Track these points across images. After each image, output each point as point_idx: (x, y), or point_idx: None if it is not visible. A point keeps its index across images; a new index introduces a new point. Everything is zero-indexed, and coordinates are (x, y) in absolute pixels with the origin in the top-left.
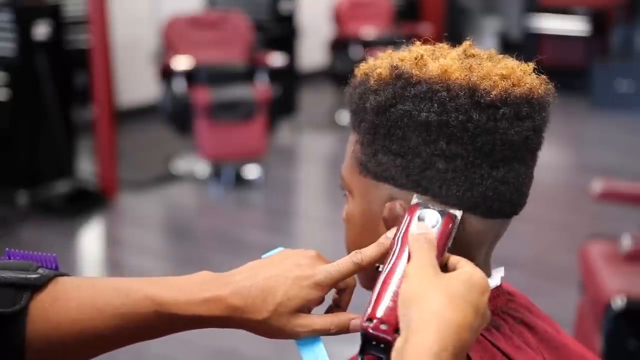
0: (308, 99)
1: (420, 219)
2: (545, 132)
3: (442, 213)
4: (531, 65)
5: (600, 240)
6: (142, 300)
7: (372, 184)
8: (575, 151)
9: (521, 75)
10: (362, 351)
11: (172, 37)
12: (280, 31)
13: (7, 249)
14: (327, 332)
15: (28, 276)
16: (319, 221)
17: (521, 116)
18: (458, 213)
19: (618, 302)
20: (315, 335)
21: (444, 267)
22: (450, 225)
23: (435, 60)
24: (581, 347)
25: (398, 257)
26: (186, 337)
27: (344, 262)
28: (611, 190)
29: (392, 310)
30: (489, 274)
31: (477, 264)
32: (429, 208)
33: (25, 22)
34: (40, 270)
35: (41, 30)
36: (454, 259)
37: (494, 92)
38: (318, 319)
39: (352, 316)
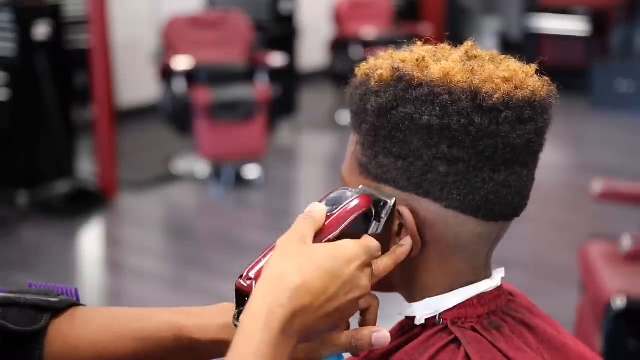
0: (308, 99)
1: (330, 198)
2: (547, 134)
3: (356, 194)
4: (533, 67)
5: (600, 240)
6: (162, 324)
7: (373, 185)
8: (575, 151)
9: (523, 77)
10: (237, 308)
11: (172, 37)
12: (280, 31)
13: (29, 282)
14: (350, 348)
15: (49, 299)
16: None
17: (523, 119)
18: (389, 199)
19: (618, 302)
20: (338, 352)
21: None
22: (362, 205)
23: (437, 62)
24: (582, 347)
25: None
26: None
27: None
28: (611, 190)
29: (260, 270)
30: (489, 275)
31: (476, 266)
32: (345, 189)
33: (25, 22)
34: (61, 297)
35: (41, 30)
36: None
37: (496, 96)
38: (340, 336)
39: (374, 329)
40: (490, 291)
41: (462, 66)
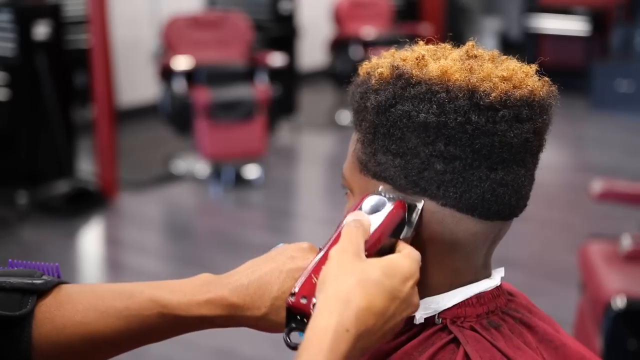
0: (308, 99)
1: (367, 205)
2: (547, 134)
3: (391, 200)
4: (534, 66)
5: (600, 240)
6: (145, 302)
7: (372, 183)
8: (575, 151)
9: (522, 77)
10: (288, 326)
11: (172, 37)
12: (280, 31)
13: (9, 259)
14: None
15: (34, 281)
16: (319, 221)
17: (521, 118)
18: (419, 203)
19: (618, 302)
20: None
21: (389, 252)
22: (401, 212)
23: (437, 60)
24: (581, 346)
25: (332, 240)
26: (186, 337)
27: None
28: (611, 190)
29: (313, 286)
30: (489, 275)
31: (475, 265)
32: (380, 195)
33: (25, 22)
34: (44, 277)
35: (41, 30)
36: (400, 246)
37: (493, 94)
38: None
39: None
40: (490, 291)
41: (461, 65)
